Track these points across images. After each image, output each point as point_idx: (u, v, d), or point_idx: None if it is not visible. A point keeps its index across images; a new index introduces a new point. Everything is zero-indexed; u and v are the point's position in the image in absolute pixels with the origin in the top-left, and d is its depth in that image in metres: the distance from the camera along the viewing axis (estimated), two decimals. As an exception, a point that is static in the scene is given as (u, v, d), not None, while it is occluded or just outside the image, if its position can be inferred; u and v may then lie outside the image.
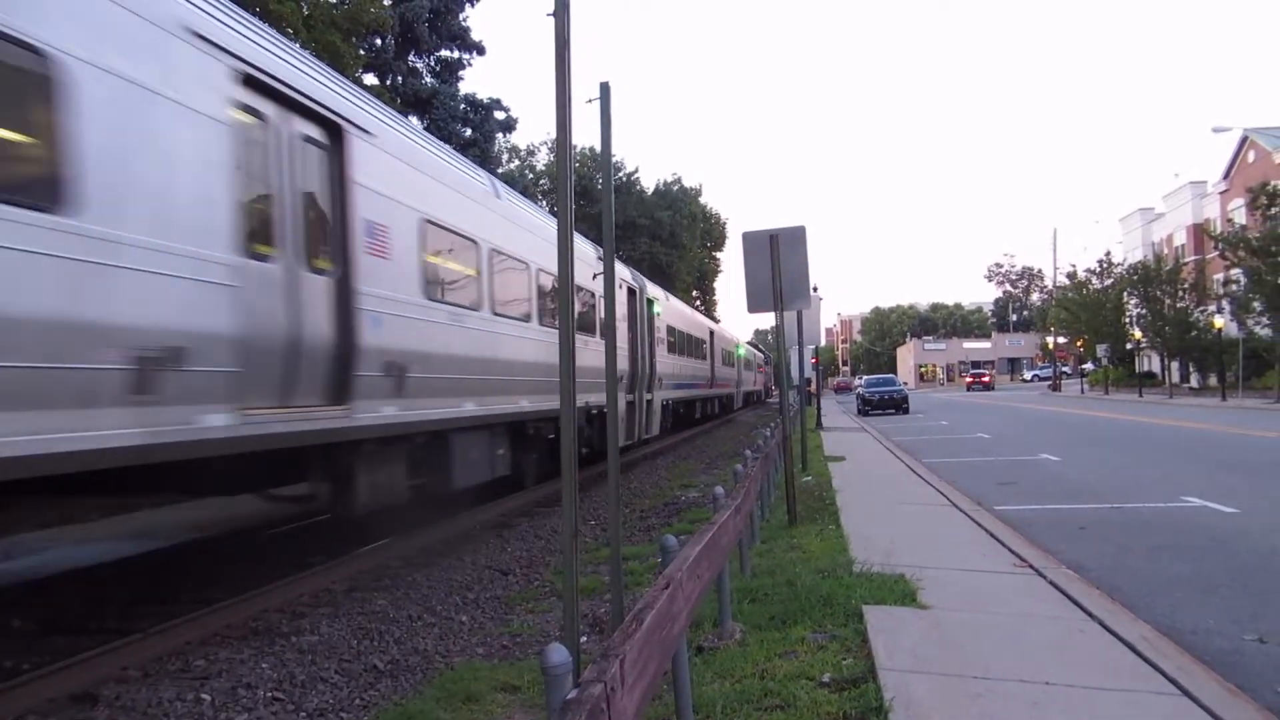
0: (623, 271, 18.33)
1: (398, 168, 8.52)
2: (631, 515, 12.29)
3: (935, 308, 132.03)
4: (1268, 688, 5.03)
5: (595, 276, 15.20)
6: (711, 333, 33.41)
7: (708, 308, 72.33)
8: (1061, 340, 70.51)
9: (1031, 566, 7.81)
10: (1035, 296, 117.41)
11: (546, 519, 11.93)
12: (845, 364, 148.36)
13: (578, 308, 14.28)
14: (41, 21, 4.82)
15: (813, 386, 35.11)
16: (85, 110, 5.05)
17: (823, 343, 34.56)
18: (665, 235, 57.13)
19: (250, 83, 6.51)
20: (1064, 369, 74.72)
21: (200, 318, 5.89)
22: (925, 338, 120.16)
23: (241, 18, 6.73)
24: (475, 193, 10.76)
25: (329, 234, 7.50)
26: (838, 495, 12.31)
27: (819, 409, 31.83)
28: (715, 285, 79.17)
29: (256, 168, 6.64)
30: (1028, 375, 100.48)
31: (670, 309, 24.74)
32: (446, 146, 10.98)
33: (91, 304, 5.01)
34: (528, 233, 12.45)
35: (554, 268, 15.89)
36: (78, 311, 4.93)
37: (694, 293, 69.89)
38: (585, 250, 15.41)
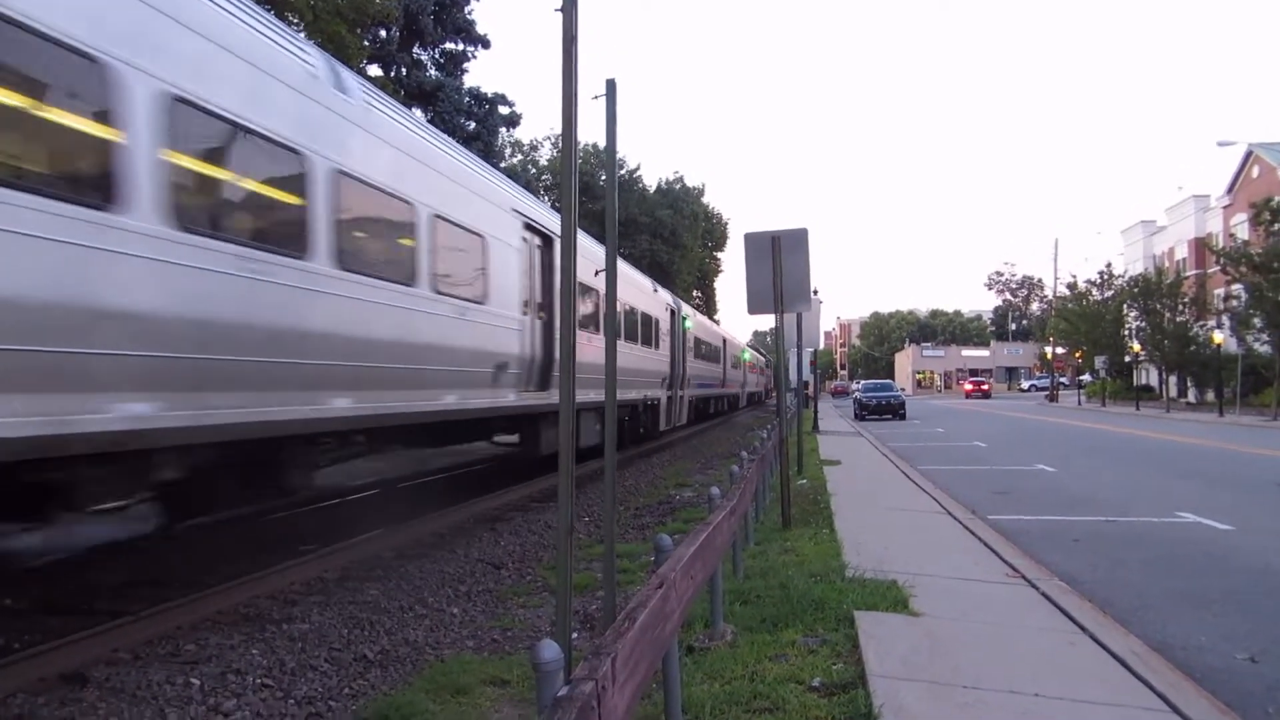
0: (666, 296, 24.31)
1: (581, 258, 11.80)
2: (625, 513, 12.30)
3: (935, 314, 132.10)
4: (1259, 708, 5.04)
5: (658, 296, 22.28)
6: (724, 340, 38.42)
7: (708, 307, 72.34)
8: (1060, 351, 70.58)
9: (1024, 577, 7.82)
10: (1035, 306, 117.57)
11: (540, 514, 11.93)
12: (843, 368, 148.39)
13: (645, 328, 20.51)
14: (486, 223, 10.66)
15: (810, 389, 35.18)
16: (492, 255, 10.80)
17: (821, 346, 34.59)
18: (666, 234, 57.13)
19: (526, 225, 11.96)
20: (1062, 380, 74.76)
21: (512, 346, 11.31)
22: (924, 344, 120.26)
23: (522, 192, 12.77)
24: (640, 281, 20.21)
25: (546, 296, 12.49)
26: (832, 499, 12.31)
27: (815, 412, 31.89)
28: (715, 285, 79.27)
29: (526, 265, 11.91)
30: (1025, 385, 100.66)
31: (697, 323, 30.16)
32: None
33: (488, 342, 10.51)
34: (634, 287, 19.70)
35: (641, 305, 20.21)
36: (484, 346, 10.47)
37: (694, 292, 69.89)
38: (635, 277, 20.85)
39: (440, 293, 9.36)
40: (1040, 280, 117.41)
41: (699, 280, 72.10)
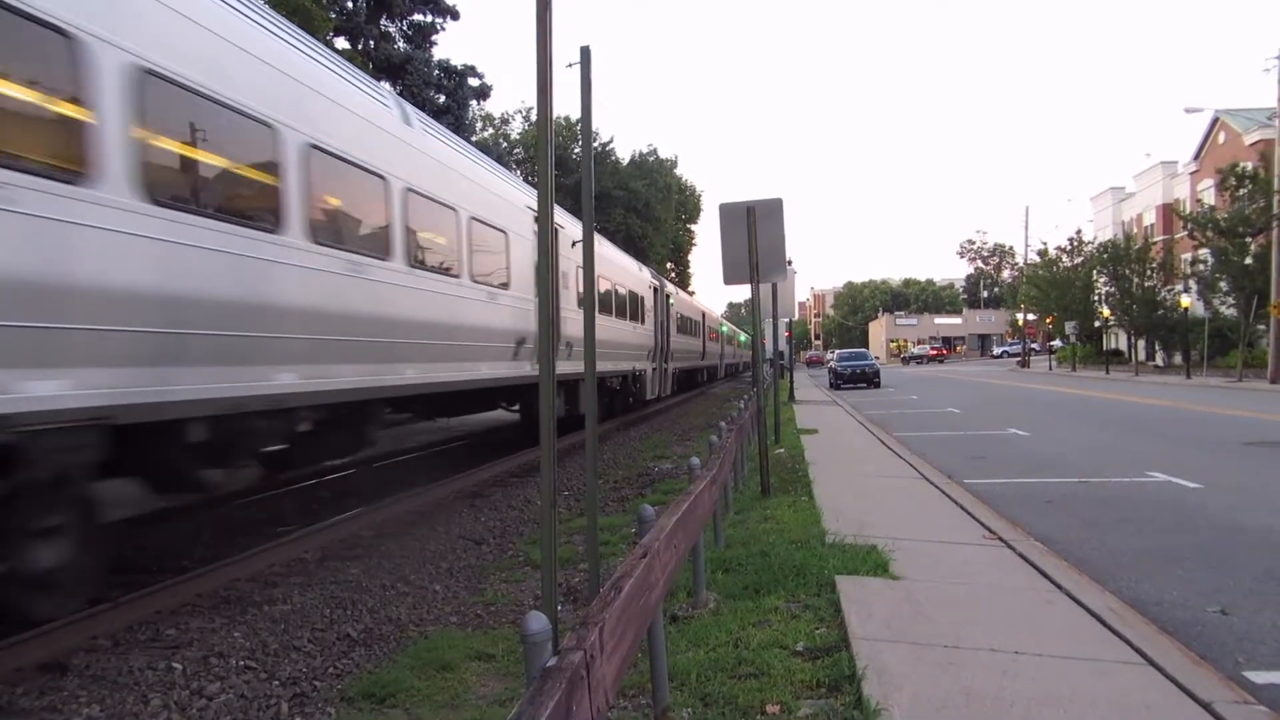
0: (649, 274, 26.03)
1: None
2: (605, 486, 12.31)
3: (908, 283, 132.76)
4: (1229, 657, 5.14)
5: (643, 275, 24.47)
6: (703, 315, 40.97)
7: (682, 280, 72.29)
8: (1031, 317, 71.28)
9: (1001, 539, 7.92)
10: (1006, 274, 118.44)
11: (520, 489, 11.93)
12: (818, 338, 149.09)
13: (632, 305, 22.55)
14: (507, 220, 12.23)
15: (786, 359, 35.36)
16: (513, 248, 12.44)
17: (796, 316, 34.85)
18: (640, 207, 56.92)
19: (536, 219, 10.50)
20: (1033, 346, 75.56)
21: (530, 325, 12.72)
22: (897, 313, 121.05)
23: (531, 190, 13.63)
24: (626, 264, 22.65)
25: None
26: (810, 467, 12.40)
27: (791, 381, 32.03)
28: (690, 257, 79.15)
29: (533, 253, 12.92)
30: (997, 351, 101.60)
31: (678, 299, 32.26)
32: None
33: (511, 322, 11.95)
34: (620, 267, 21.70)
35: (627, 284, 22.28)
36: (508, 325, 11.95)
37: (669, 265, 69.77)
38: (622, 258, 23.00)
39: (476, 282, 11.29)
40: (1011, 248, 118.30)
41: (673, 253, 71.95)
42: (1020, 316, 75.18)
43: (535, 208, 12.85)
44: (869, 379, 41.79)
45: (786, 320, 27.01)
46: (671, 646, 4.93)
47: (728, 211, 11.27)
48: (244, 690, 5.03)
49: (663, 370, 26.82)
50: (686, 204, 72.69)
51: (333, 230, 8.14)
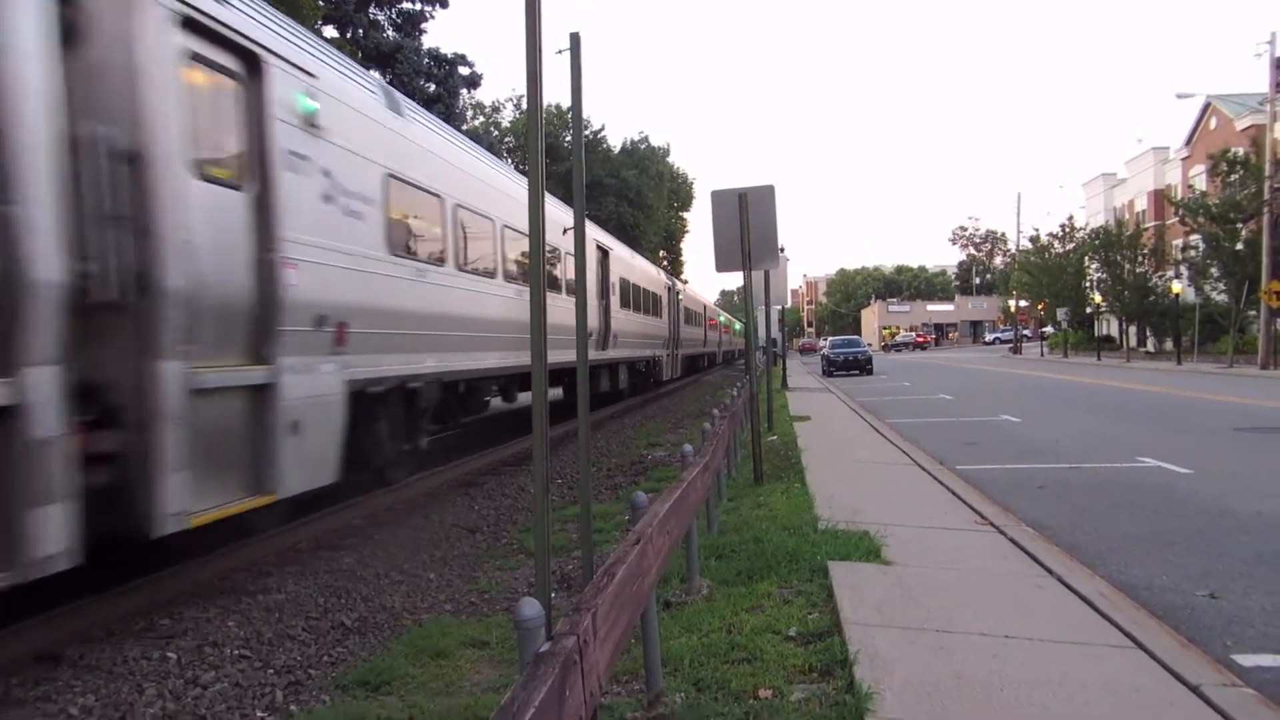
0: (664, 276, 31.85)
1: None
2: (598, 474, 12.34)
3: (900, 270, 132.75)
4: (1218, 640, 5.19)
5: (660, 277, 30.06)
6: (704, 306, 46.59)
7: (674, 268, 72.26)
8: (1023, 304, 71.43)
9: (992, 524, 7.97)
10: (998, 260, 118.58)
11: (514, 477, 11.95)
12: (810, 325, 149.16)
13: (654, 303, 27.65)
14: (562, 244, 15.11)
15: (779, 346, 35.44)
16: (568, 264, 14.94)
17: (789, 304, 35.01)
18: (632, 195, 56.83)
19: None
20: (1025, 332, 75.72)
21: (594, 322, 14.91)
22: (890, 300, 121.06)
23: (557, 201, 15.55)
24: (649, 269, 27.87)
25: (580, 277, 14.67)
26: (803, 454, 12.44)
27: (784, 368, 32.10)
28: (683, 245, 79.12)
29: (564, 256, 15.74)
30: (989, 338, 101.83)
31: (686, 294, 37.70)
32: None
33: (552, 316, 10.86)
34: (645, 272, 26.62)
35: (651, 287, 28.02)
36: (551, 319, 10.62)
37: (661, 253, 69.76)
38: (646, 265, 28.33)
39: (508, 280, 12.90)
40: (1003, 234, 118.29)
41: (665, 241, 71.95)
42: (1012, 303, 75.34)
43: (557, 215, 15.38)
44: (861, 366, 41.90)
45: (779, 307, 27.05)
46: (665, 632, 4.95)
47: (719, 198, 11.27)
48: (238, 679, 5.04)
49: (674, 356, 31.97)
50: (679, 191, 72.62)
51: (470, 260, 11.52)
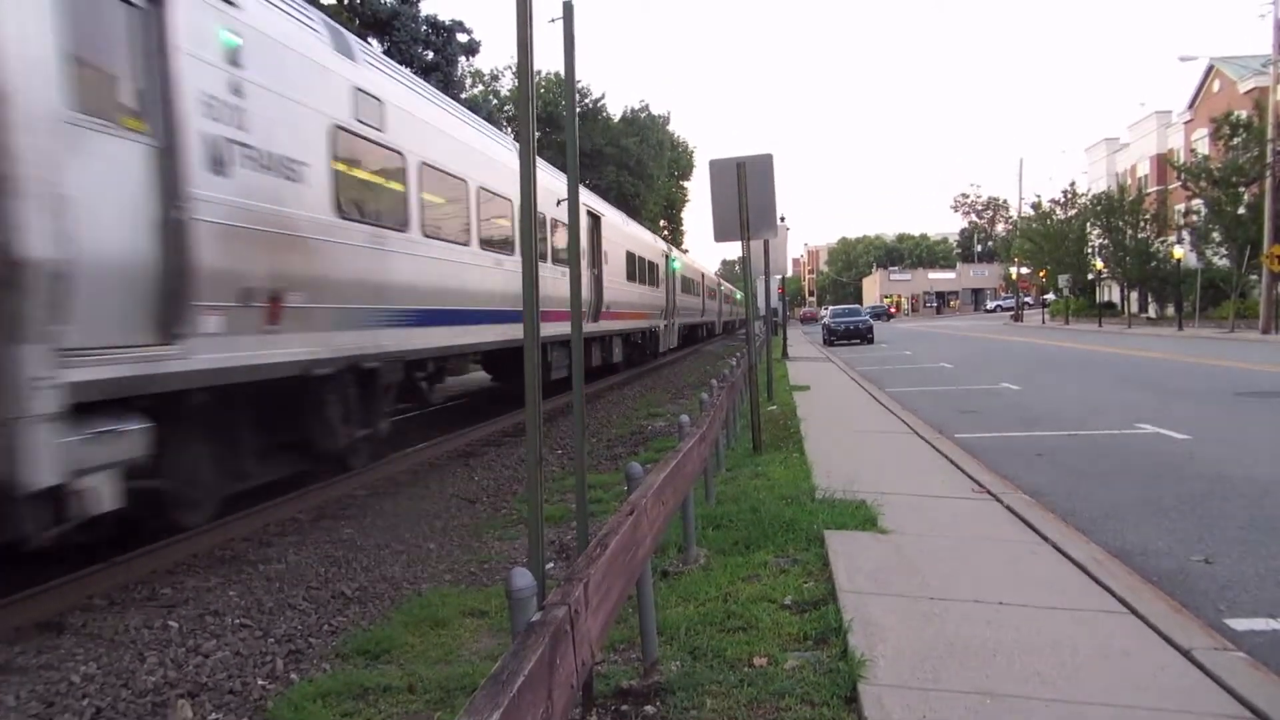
0: (661, 244, 31.70)
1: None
2: (598, 445, 12.38)
3: (902, 238, 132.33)
4: (1211, 605, 5.22)
5: (656, 245, 29.88)
6: (702, 275, 46.29)
7: (674, 238, 72.01)
8: (1024, 271, 71.22)
9: (989, 492, 7.99)
10: (1000, 227, 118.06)
11: (514, 448, 11.99)
12: (811, 294, 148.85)
13: (651, 272, 27.49)
14: (553, 211, 15.06)
15: (779, 316, 35.42)
16: (558, 231, 15.54)
17: (789, 273, 34.99)
18: (632, 164, 56.49)
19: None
20: (1026, 299, 75.54)
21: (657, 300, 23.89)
22: (891, 268, 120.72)
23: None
24: (646, 238, 28.41)
25: (594, 255, 18.88)
26: (802, 423, 12.47)
27: (785, 339, 32.09)
28: (683, 214, 78.77)
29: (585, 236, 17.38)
30: (990, 305, 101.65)
31: (683, 263, 37.10)
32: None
33: (563, 290, 12.59)
34: (641, 240, 26.53)
35: (648, 255, 28.03)
36: (562, 294, 12.12)
37: (661, 223, 69.47)
38: (640, 232, 28.03)
39: (484, 248, 12.60)
40: (1005, 201, 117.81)
41: (666, 210, 71.64)
42: (1014, 270, 75.10)
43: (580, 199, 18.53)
44: (862, 335, 41.85)
45: (779, 277, 27.00)
46: (661, 601, 4.99)
47: (718, 168, 11.21)
48: (239, 647, 5.09)
49: (672, 326, 31.97)
50: (679, 160, 72.16)
51: (439, 226, 11.02)
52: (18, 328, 4.52)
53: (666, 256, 31.42)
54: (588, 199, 19.50)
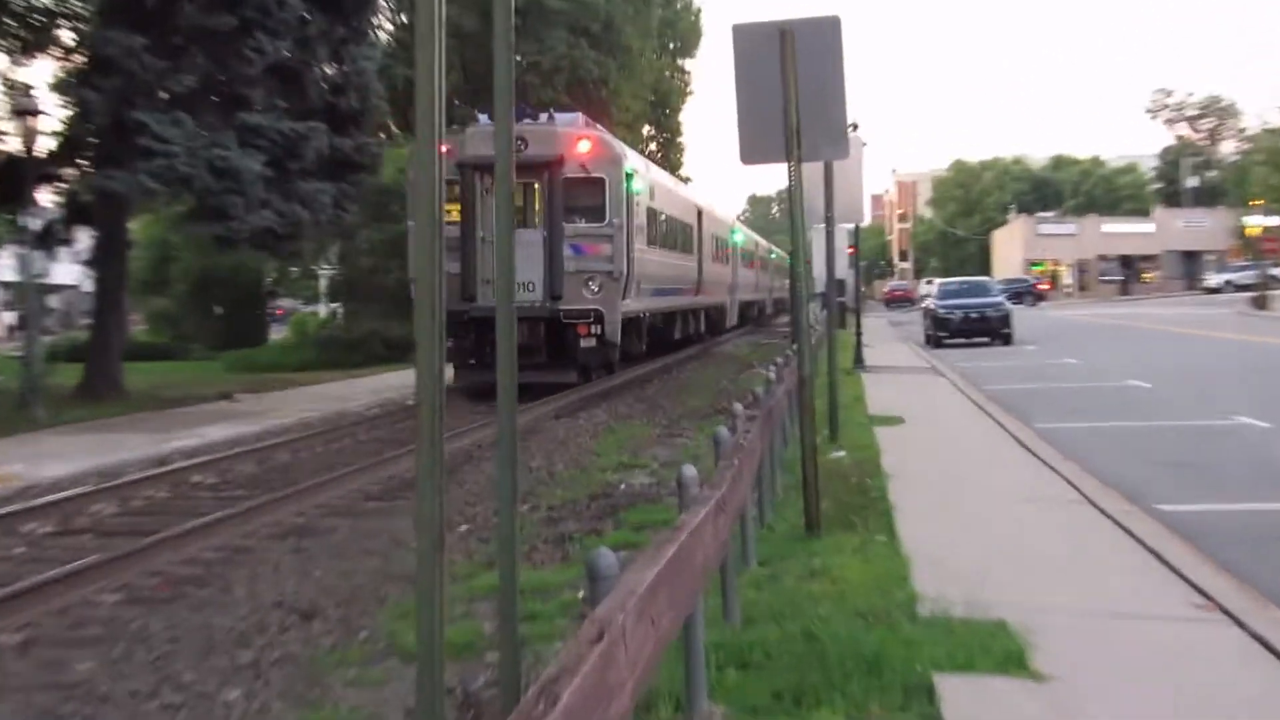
0: (728, 215, 59.49)
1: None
2: (533, 516, 12.32)
3: (1059, 163, 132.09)
4: None
5: (691, 201, 45.73)
6: (756, 244, 67.42)
7: (671, 159, 72.29)
8: (1274, 221, 71.82)
9: (1224, 609, 7.95)
10: (1228, 146, 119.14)
11: (385, 518, 12.03)
12: (904, 258, 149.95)
13: (736, 260, 55.39)
14: (690, 216, 42.88)
15: (848, 295, 35.54)
16: (695, 230, 44.24)
17: (867, 221, 34.82)
18: (596, 30, 56.59)
19: (697, 209, 44.59)
20: (1274, 270, 76.09)
21: (691, 274, 42.14)
22: (1041, 215, 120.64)
23: (696, 192, 52.88)
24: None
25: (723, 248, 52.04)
26: (890, 482, 12.45)
27: (859, 333, 32.09)
28: (681, 118, 79.01)
29: (698, 229, 44.50)
30: (1213, 280, 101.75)
31: (745, 236, 61.72)
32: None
33: (688, 270, 40.46)
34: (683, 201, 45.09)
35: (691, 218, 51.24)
36: (688, 274, 40.77)
37: (647, 128, 69.79)
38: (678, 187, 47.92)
39: (684, 252, 39.03)
40: (1234, 105, 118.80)
41: (654, 106, 71.67)
42: (1254, 220, 75.75)
43: (697, 201, 43.85)
44: (993, 329, 42.07)
45: (850, 228, 27.08)
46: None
47: (746, 37, 11.17)
48: None
49: (734, 303, 53.30)
50: (677, 24, 72.60)
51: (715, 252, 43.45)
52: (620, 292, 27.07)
53: (731, 229, 49.77)
54: (688, 194, 44.56)
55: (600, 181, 26.53)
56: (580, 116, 29.40)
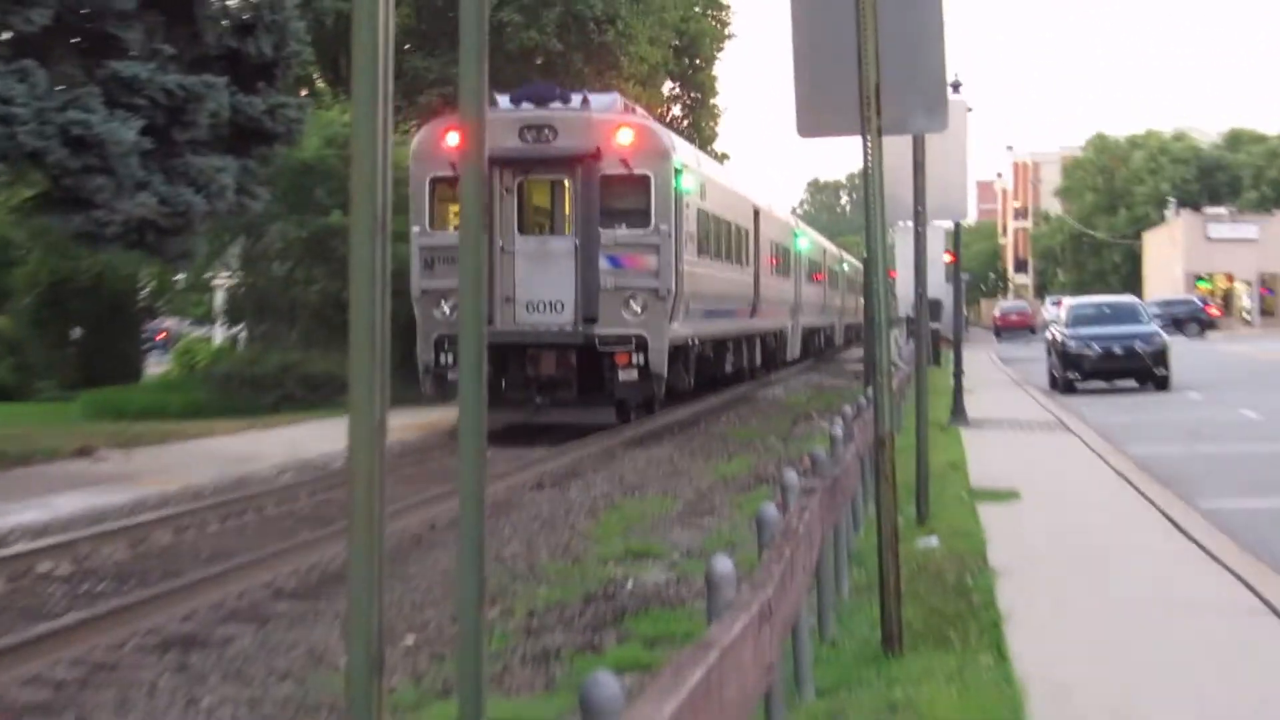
0: (786, 214, 68.06)
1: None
2: (507, 624, 12.33)
3: (1235, 140, 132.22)
4: None
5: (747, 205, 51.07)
6: (824, 251, 77.43)
7: (696, 124, 72.47)
8: None
9: None
10: None
11: (302, 625, 11.98)
12: (1021, 269, 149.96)
13: (788, 263, 61.87)
14: (746, 220, 48.93)
15: (945, 320, 35.58)
16: (753, 234, 51.46)
17: (972, 218, 34.70)
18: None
19: (754, 209, 51.07)
20: None
21: (747, 289, 48.01)
22: (1212, 211, 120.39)
23: (750, 188, 56.54)
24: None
25: (756, 251, 52.25)
26: (999, 582, 12.46)
27: (958, 374, 32.02)
28: (715, 73, 79.15)
29: (755, 232, 51.66)
30: None
31: (812, 241, 71.43)
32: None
33: (743, 281, 46.19)
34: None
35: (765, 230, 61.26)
36: (744, 289, 46.60)
37: (669, 85, 70.07)
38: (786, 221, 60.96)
39: (739, 263, 43.96)
40: None
41: (679, 55, 71.59)
42: None
43: (752, 198, 49.26)
44: (1144, 370, 42.05)
45: (948, 226, 27.15)
46: None
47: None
48: None
49: (796, 327, 57.31)
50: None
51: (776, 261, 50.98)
52: (667, 313, 31.99)
53: (793, 233, 50.04)
54: (744, 190, 44.37)
55: (645, 180, 26.87)
56: (619, 99, 29.62)
